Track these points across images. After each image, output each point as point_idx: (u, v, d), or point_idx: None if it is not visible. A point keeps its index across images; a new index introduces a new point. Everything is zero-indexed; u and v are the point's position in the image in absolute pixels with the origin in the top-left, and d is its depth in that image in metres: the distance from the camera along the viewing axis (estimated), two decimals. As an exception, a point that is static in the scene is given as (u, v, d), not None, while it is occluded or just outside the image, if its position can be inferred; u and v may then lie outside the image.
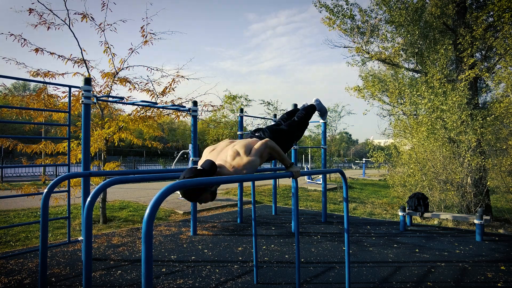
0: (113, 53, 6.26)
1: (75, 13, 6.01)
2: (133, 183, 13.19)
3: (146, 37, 6.45)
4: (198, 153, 5.90)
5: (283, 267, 4.07)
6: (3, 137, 5.49)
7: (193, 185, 1.75)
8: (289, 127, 2.91)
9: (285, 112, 3.36)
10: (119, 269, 3.95)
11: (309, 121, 3.21)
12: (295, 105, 6.42)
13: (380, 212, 9.53)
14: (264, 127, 2.85)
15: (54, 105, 6.06)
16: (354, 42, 11.07)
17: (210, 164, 2.14)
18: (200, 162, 2.23)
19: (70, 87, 4.44)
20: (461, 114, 8.31)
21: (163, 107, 6.05)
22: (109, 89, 6.35)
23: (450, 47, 9.39)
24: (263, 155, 2.37)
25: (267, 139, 2.45)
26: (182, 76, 6.85)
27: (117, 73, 6.38)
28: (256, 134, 2.74)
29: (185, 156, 15.99)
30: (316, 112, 3.42)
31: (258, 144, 2.37)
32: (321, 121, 7.14)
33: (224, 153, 2.34)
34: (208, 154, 2.45)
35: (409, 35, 9.71)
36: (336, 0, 10.43)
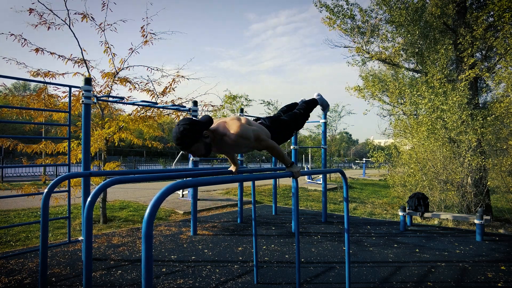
0: (113, 53, 6.27)
1: (75, 13, 6.01)
2: (133, 183, 13.20)
3: (146, 37, 6.46)
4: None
5: (283, 267, 4.07)
6: (3, 137, 5.49)
7: (194, 184, 1.75)
8: (289, 118, 2.90)
9: (284, 105, 3.33)
10: (119, 269, 3.95)
11: (310, 113, 3.19)
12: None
13: (380, 212, 9.53)
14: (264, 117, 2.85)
15: (54, 105, 6.06)
16: (355, 42, 11.08)
17: (207, 117, 2.20)
18: None
19: (70, 87, 4.44)
20: (461, 114, 8.31)
21: (163, 107, 6.05)
22: (109, 89, 6.35)
23: (450, 47, 9.39)
24: (261, 141, 2.38)
25: (272, 141, 2.46)
26: (182, 76, 6.85)
27: (117, 73, 6.38)
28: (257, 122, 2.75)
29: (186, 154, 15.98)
30: (319, 106, 3.40)
31: (265, 134, 2.44)
32: (322, 121, 7.13)
33: (227, 118, 2.45)
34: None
35: (409, 35, 9.71)
36: (337, 0, 10.44)
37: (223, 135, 2.27)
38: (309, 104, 3.19)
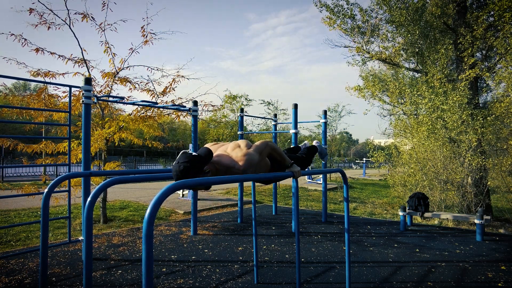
0: (114, 53, 6.27)
1: (75, 13, 6.01)
2: (134, 183, 13.19)
3: (146, 37, 6.46)
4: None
5: (284, 267, 4.07)
6: (4, 137, 5.49)
7: (194, 184, 1.74)
8: (292, 158, 2.93)
9: (285, 148, 3.39)
10: (120, 268, 3.96)
11: (312, 159, 3.26)
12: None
13: (380, 212, 9.53)
14: None
15: (54, 105, 6.06)
16: (355, 42, 11.08)
17: (206, 151, 2.12)
18: None
19: (70, 87, 4.44)
20: (461, 114, 8.30)
21: (163, 107, 6.05)
22: (109, 89, 6.35)
23: (450, 47, 9.38)
24: (263, 153, 2.37)
25: (268, 140, 2.46)
26: (183, 76, 6.85)
27: (118, 73, 6.38)
28: None
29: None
30: (317, 153, 3.48)
31: (260, 142, 2.40)
32: (322, 121, 7.14)
33: (225, 146, 2.39)
34: (209, 146, 2.48)
35: (409, 35, 9.70)
36: (337, 0, 10.43)
37: (231, 168, 2.22)
38: (310, 151, 3.26)
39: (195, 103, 5.84)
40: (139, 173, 3.08)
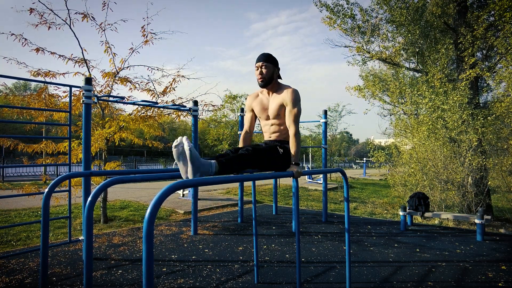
0: (114, 53, 6.27)
1: (75, 13, 6.01)
2: (134, 183, 13.16)
3: (146, 36, 6.46)
4: (198, 153, 5.90)
5: (284, 267, 4.07)
6: (4, 136, 5.50)
7: (194, 184, 1.75)
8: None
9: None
10: (120, 268, 3.96)
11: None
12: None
13: (380, 211, 9.53)
14: None
15: (55, 105, 6.07)
16: (355, 42, 11.07)
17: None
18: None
19: (71, 86, 4.44)
20: (462, 114, 8.30)
21: (163, 107, 6.05)
22: (109, 89, 6.36)
23: (451, 47, 9.37)
24: (296, 120, 2.64)
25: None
26: (183, 76, 6.85)
27: (118, 72, 6.38)
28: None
29: None
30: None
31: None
32: (322, 120, 7.13)
33: None
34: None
35: (409, 35, 9.70)
36: (337, 0, 10.42)
37: (285, 88, 2.72)
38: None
39: (195, 103, 5.83)
40: (140, 173, 3.08)
